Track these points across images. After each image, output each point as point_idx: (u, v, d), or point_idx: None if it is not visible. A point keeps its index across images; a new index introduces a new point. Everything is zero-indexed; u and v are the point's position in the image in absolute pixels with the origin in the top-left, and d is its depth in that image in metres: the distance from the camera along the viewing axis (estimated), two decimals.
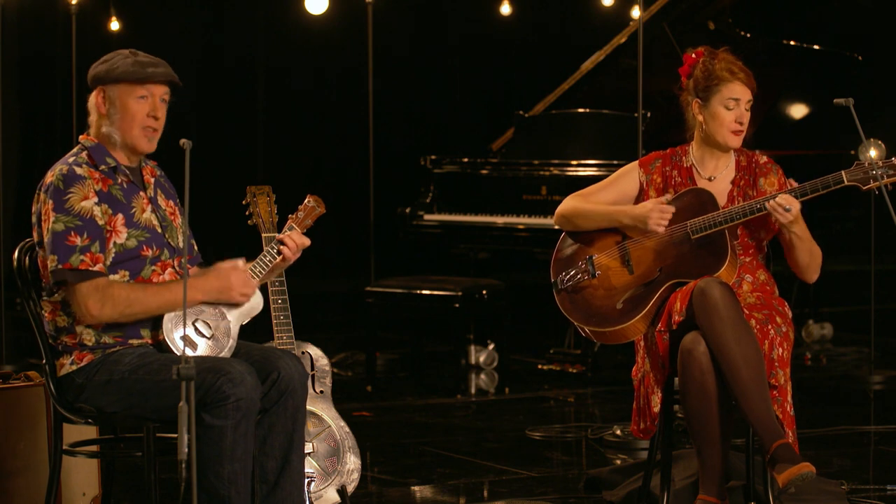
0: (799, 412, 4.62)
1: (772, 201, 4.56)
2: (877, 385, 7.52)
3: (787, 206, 4.54)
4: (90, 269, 4.04)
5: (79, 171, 4.11)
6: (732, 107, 4.72)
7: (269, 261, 4.29)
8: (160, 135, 4.23)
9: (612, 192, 4.90)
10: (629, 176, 4.90)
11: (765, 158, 4.84)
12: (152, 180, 4.29)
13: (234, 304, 4.20)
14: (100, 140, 4.21)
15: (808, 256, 4.69)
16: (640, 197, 4.87)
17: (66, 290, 4.09)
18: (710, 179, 4.81)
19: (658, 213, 4.71)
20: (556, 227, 4.96)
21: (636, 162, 4.94)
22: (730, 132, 4.73)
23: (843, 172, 4.59)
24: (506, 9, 10.85)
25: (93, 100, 4.22)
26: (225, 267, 4.22)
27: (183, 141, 3.64)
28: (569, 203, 4.90)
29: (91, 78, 4.22)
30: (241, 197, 4.54)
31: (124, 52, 4.22)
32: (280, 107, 11.45)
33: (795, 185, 4.64)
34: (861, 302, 8.26)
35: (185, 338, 4.07)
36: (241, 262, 4.25)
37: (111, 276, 4.10)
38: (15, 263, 4.26)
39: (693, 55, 4.83)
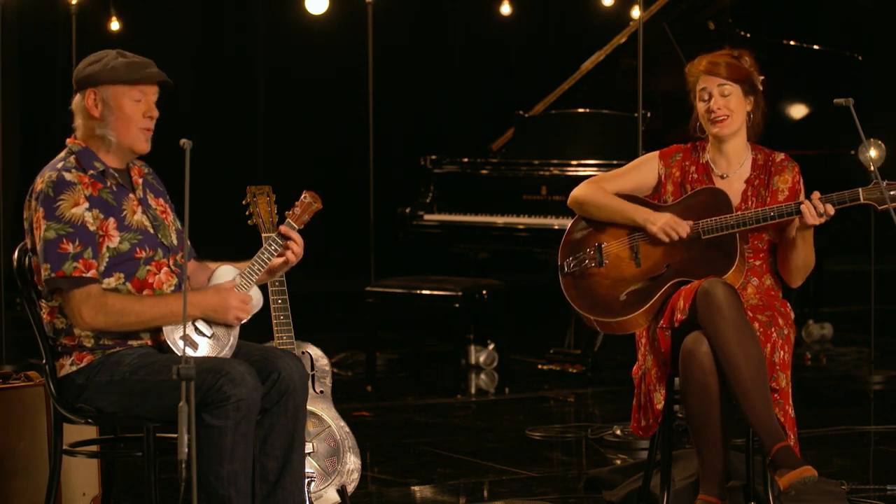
0: (799, 412, 4.62)
1: (807, 204, 4.56)
2: (877, 385, 7.51)
3: (821, 210, 4.55)
4: (84, 275, 4.03)
5: (68, 176, 4.09)
6: (706, 97, 4.75)
7: (267, 258, 4.28)
8: (152, 133, 4.22)
9: (631, 181, 4.89)
10: (648, 166, 4.89)
11: (782, 156, 4.83)
12: (140, 180, 4.27)
13: (227, 325, 4.18)
14: (88, 143, 4.18)
15: (803, 261, 4.69)
16: (659, 188, 4.86)
17: (60, 297, 4.08)
18: (722, 177, 4.81)
19: (672, 224, 4.70)
20: (569, 206, 4.94)
21: (657, 152, 4.92)
22: (709, 122, 4.75)
23: (860, 190, 4.59)
24: (506, 9, 10.84)
25: (81, 102, 4.18)
26: (225, 286, 4.20)
27: (183, 141, 3.63)
28: (585, 189, 4.88)
29: (81, 79, 4.17)
30: (241, 197, 4.53)
31: (112, 52, 4.19)
32: (280, 107, 11.44)
33: (818, 195, 4.62)
34: (861, 302, 8.26)
35: (185, 337, 4.07)
36: (237, 280, 4.23)
37: (107, 280, 4.09)
38: (15, 264, 4.26)
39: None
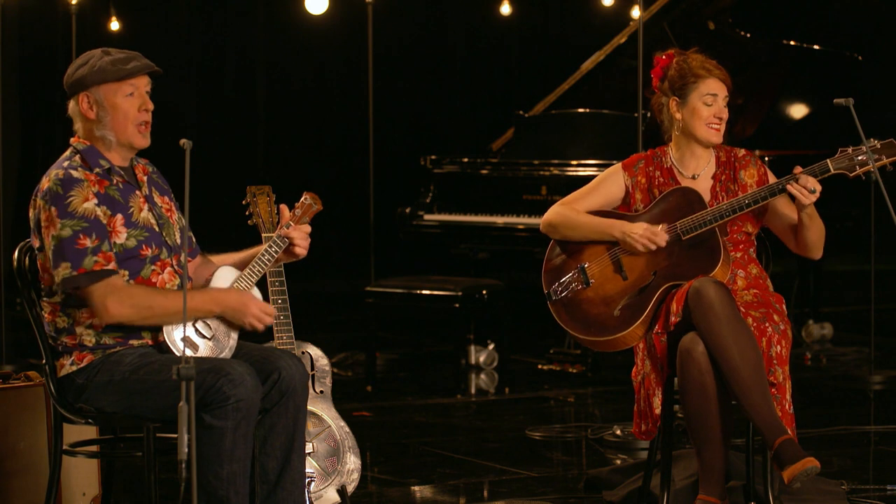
0: (799, 412, 4.61)
1: (796, 184, 4.56)
2: (877, 385, 7.51)
3: (811, 187, 4.56)
4: (105, 268, 4.03)
5: (75, 174, 4.09)
6: (710, 102, 4.75)
7: (268, 260, 4.28)
8: (150, 127, 4.21)
9: (599, 197, 4.89)
10: (613, 179, 4.90)
11: (743, 151, 4.87)
12: (145, 178, 4.27)
13: (229, 328, 4.18)
14: (92, 142, 4.19)
15: (817, 233, 4.70)
16: (627, 199, 4.87)
17: (82, 293, 4.07)
18: (693, 178, 4.82)
19: (648, 236, 4.69)
20: (543, 232, 4.93)
21: (618, 165, 4.93)
22: (708, 127, 4.75)
23: (828, 161, 4.61)
24: (506, 9, 10.85)
25: (76, 107, 4.18)
26: (250, 291, 4.22)
27: (183, 141, 3.63)
28: (556, 211, 4.88)
29: (71, 84, 4.18)
30: (241, 197, 4.53)
31: (96, 52, 4.19)
32: (280, 107, 11.45)
33: (800, 169, 4.62)
34: (861, 302, 8.27)
35: (185, 339, 4.07)
36: (256, 291, 4.25)
37: None
38: (15, 264, 4.26)
39: (664, 57, 4.87)
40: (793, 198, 4.63)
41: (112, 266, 4.04)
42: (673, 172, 4.83)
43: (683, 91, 4.78)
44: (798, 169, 4.61)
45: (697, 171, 4.83)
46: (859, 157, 4.57)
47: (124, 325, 4.08)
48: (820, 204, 4.68)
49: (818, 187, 4.57)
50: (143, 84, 4.18)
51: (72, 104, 4.20)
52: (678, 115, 4.80)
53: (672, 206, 4.74)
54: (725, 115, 4.78)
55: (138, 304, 4.04)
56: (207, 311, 4.13)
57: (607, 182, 4.90)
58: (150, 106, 4.18)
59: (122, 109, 4.14)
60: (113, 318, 4.05)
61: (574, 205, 4.88)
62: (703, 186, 4.79)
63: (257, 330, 4.20)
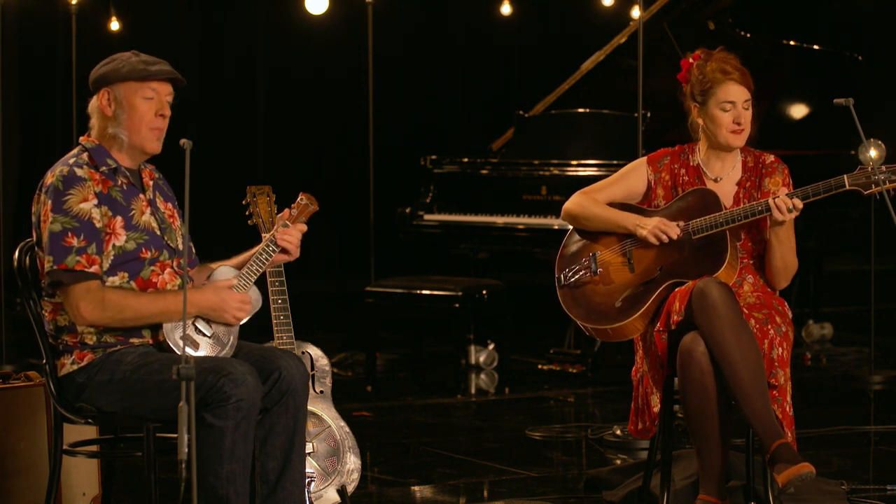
0: (799, 412, 4.62)
1: (777, 199, 4.56)
2: (877, 385, 7.52)
3: (790, 206, 4.55)
4: (86, 270, 4.03)
5: (79, 172, 4.10)
6: (728, 109, 4.71)
7: (265, 260, 4.28)
8: (164, 134, 4.23)
9: (620, 189, 4.89)
10: (637, 173, 4.89)
11: (771, 158, 4.83)
12: (151, 183, 4.28)
13: (227, 325, 4.19)
14: (102, 141, 4.20)
15: (782, 262, 4.67)
16: (649, 194, 4.86)
17: (60, 292, 4.08)
18: (716, 180, 4.81)
19: (661, 227, 4.69)
20: (563, 221, 4.95)
21: (644, 158, 4.92)
22: (729, 133, 4.73)
23: (844, 176, 4.58)
24: (506, 9, 10.85)
25: (96, 102, 4.20)
26: (222, 285, 4.20)
27: (183, 141, 3.64)
28: (575, 201, 4.89)
29: (95, 80, 4.20)
30: (241, 197, 4.53)
31: (126, 53, 4.22)
32: (280, 107, 11.45)
33: (787, 190, 4.62)
34: (861, 302, 8.27)
35: (185, 337, 4.07)
36: (234, 280, 4.24)
37: (111, 279, 4.10)
38: (15, 263, 4.26)
39: (690, 59, 4.83)
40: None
41: (94, 269, 4.04)
42: (699, 171, 4.82)
43: (703, 97, 4.74)
44: (783, 190, 4.62)
45: (722, 174, 4.81)
46: (876, 177, 4.55)
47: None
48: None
49: (799, 206, 4.55)
50: (165, 91, 4.20)
51: (93, 100, 4.22)
52: (699, 121, 4.79)
53: (689, 205, 4.74)
54: (747, 119, 4.72)
55: (110, 308, 4.04)
56: (186, 313, 4.12)
57: (631, 175, 4.90)
58: (167, 113, 4.20)
59: (140, 111, 4.16)
60: (85, 321, 4.06)
61: (595, 195, 4.88)
62: (727, 191, 4.78)
63: (240, 321, 4.18)
